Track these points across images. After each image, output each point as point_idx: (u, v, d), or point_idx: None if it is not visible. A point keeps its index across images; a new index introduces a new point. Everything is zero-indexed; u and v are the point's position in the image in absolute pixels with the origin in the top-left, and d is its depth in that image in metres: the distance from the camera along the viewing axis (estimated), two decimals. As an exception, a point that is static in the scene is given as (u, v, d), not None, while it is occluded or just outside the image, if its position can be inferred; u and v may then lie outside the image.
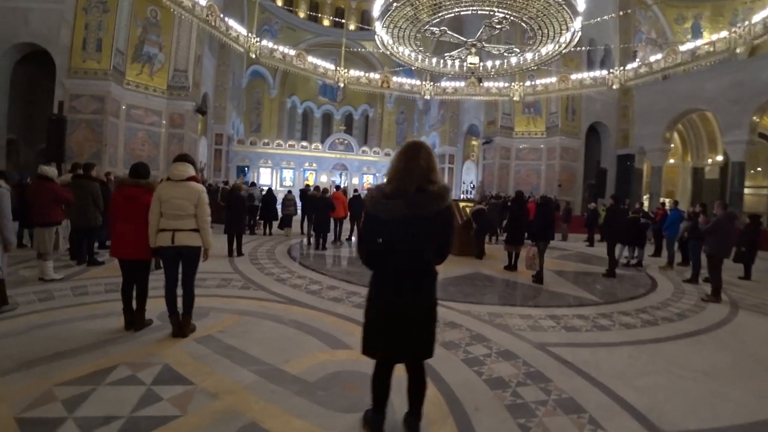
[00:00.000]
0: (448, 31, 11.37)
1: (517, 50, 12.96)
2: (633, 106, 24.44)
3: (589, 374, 3.72)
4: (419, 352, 2.46)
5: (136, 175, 4.48)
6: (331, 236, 11.44)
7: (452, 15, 9.80)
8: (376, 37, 11.95)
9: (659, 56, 14.42)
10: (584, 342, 4.62)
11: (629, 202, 12.56)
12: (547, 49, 12.07)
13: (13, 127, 18.17)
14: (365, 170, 28.62)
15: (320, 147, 28.22)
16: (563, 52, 11.89)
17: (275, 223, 12.82)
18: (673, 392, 3.50)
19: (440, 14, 9.79)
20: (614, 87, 16.01)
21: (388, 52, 12.36)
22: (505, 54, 12.84)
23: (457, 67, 13.35)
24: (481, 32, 11.62)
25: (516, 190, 10.25)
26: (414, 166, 2.33)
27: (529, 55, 12.61)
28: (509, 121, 25.07)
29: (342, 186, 27.58)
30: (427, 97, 18.29)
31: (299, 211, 13.04)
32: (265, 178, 26.17)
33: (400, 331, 2.36)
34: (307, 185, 18.19)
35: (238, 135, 27.21)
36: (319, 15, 26.90)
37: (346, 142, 28.67)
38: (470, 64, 12.31)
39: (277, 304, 5.42)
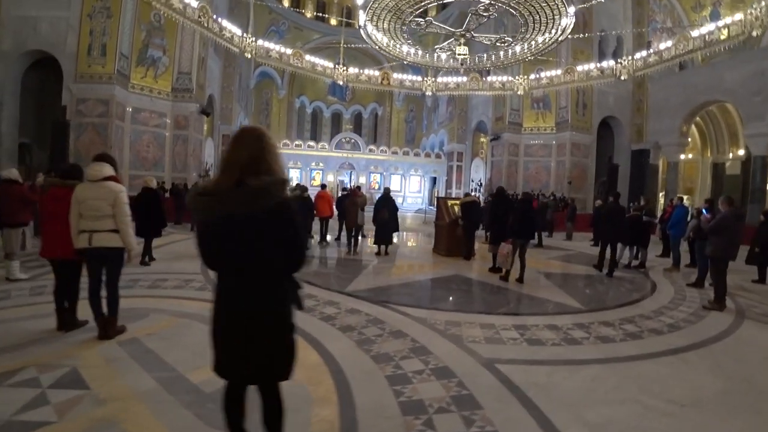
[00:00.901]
0: (434, 22, 10.68)
1: (510, 39, 12.14)
2: (647, 99, 23.13)
3: (533, 402, 3.07)
4: (263, 375, 1.96)
5: (67, 175, 4.36)
6: (317, 237, 10.93)
7: (434, 4, 9.13)
8: (361, 30, 11.36)
9: (669, 43, 13.33)
10: (545, 359, 3.94)
11: (644, 200, 11.54)
12: (544, 38, 11.22)
13: (25, 131, 18.35)
14: (372, 169, 28.07)
15: (327, 146, 27.80)
16: (560, 40, 11.04)
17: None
18: (633, 431, 2.81)
19: (422, 3, 9.13)
20: (623, 78, 14.96)
21: (377, 47, 11.75)
22: (498, 44, 12.04)
23: (444, 59, 12.59)
24: (469, 21, 10.87)
25: (497, 186, 9.50)
26: (235, 156, 1.84)
27: (519, 47, 11.74)
28: (518, 116, 24.10)
29: (352, 185, 27.18)
30: (429, 93, 17.61)
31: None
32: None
33: (238, 349, 1.89)
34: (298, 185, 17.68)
35: (246, 136, 26.98)
36: (326, 15, 26.45)
37: (352, 141, 28.19)
38: (459, 54, 11.57)
39: None
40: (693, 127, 22.93)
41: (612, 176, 20.49)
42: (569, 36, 11.43)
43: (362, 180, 27.46)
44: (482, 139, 27.31)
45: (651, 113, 22.83)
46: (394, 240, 12.30)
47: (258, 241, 1.80)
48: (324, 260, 8.99)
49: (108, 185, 3.96)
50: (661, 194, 23.11)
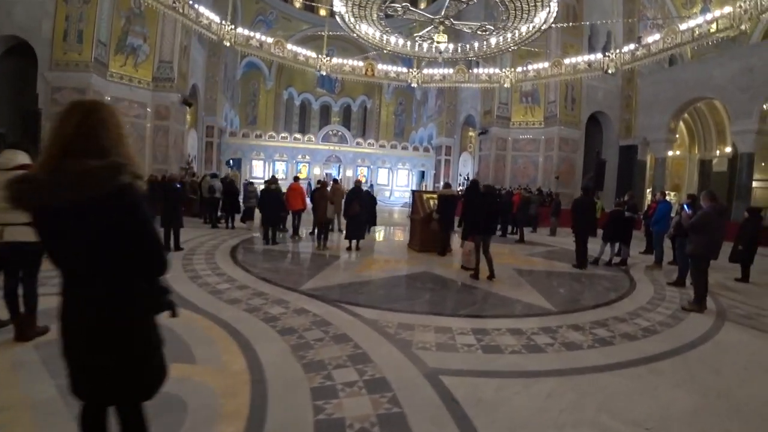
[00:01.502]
0: (411, 8, 10.11)
1: (491, 28, 11.59)
2: (637, 94, 22.67)
3: (473, 424, 2.60)
4: (116, 396, 1.61)
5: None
6: (290, 231, 10.42)
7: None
8: (337, 17, 10.77)
9: (657, 36, 12.86)
10: (499, 369, 3.48)
11: (628, 195, 11.09)
12: (527, 26, 10.68)
13: (1, 121, 17.58)
14: (360, 162, 27.48)
15: (313, 139, 27.15)
16: (543, 29, 10.51)
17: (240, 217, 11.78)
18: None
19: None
20: (610, 71, 14.50)
21: (355, 34, 11.17)
22: (480, 33, 11.48)
23: (425, 49, 12.02)
24: (447, 7, 10.30)
25: (472, 179, 9.01)
26: (60, 132, 1.49)
27: (502, 37, 11.17)
28: (506, 110, 23.62)
29: (339, 178, 26.60)
30: (414, 84, 17.06)
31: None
32: (258, 170, 25.26)
33: (84, 366, 1.57)
34: (288, 177, 17.14)
35: (232, 127, 26.36)
36: (315, 5, 25.68)
37: (340, 133, 27.55)
38: (438, 42, 11.01)
39: None
40: (681, 123, 22.57)
41: (599, 171, 20.03)
42: (555, 26, 10.91)
43: (349, 173, 26.87)
44: (471, 133, 26.83)
45: (640, 109, 22.42)
46: (375, 234, 11.84)
47: (87, 237, 1.43)
48: (288, 255, 8.49)
49: (20, 175, 3.50)
50: (648, 190, 22.75)
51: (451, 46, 12.31)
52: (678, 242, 7.50)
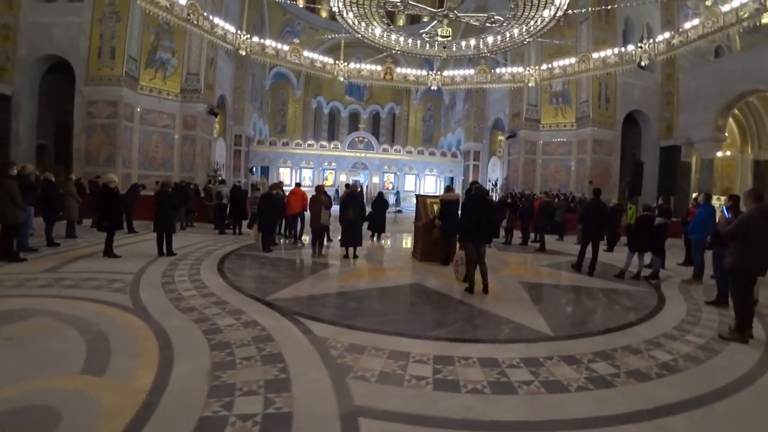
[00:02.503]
0: (411, 2, 9.27)
1: (500, 18, 10.50)
2: (678, 91, 20.58)
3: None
4: None
5: None
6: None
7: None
8: (337, 16, 10.12)
9: (696, 21, 11.27)
10: (441, 416, 2.74)
11: (662, 199, 9.70)
12: (543, 15, 9.55)
13: (43, 133, 18.35)
14: (386, 169, 26.72)
15: (339, 146, 26.72)
16: (557, 16, 9.34)
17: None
18: None
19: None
20: (643, 63, 12.96)
21: (359, 35, 10.49)
22: (488, 25, 10.45)
23: (428, 47, 11.09)
24: None
25: (472, 180, 8.02)
26: None
27: (517, 30, 10.04)
28: (535, 112, 22.19)
29: (366, 185, 26.01)
30: (434, 87, 16.15)
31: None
32: (285, 178, 25.12)
33: None
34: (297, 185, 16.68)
35: (261, 136, 26.45)
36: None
37: (366, 140, 26.99)
38: (441, 37, 10.09)
39: (116, 311, 4.52)
40: (731, 120, 20.28)
41: (636, 175, 18.22)
42: (574, 12, 9.71)
43: (375, 180, 26.18)
44: (500, 138, 25.49)
45: (682, 106, 20.36)
46: (382, 241, 11.03)
47: None
48: (278, 263, 7.83)
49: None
50: (693, 195, 20.50)
51: (463, 43, 11.34)
52: (715, 252, 6.18)
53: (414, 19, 25.64)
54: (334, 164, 26.25)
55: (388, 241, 11.55)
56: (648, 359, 3.79)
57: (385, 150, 27.25)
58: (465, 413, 2.70)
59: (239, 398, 2.76)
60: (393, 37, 10.97)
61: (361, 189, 11.83)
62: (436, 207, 8.43)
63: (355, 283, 6.41)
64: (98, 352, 3.42)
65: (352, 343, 3.82)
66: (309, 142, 26.51)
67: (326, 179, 25.74)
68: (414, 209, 8.48)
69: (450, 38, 10.27)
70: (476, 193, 6.06)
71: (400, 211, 22.85)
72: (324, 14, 27.23)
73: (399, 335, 4.11)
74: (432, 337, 4.09)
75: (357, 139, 26.86)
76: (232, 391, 2.85)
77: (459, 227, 6.20)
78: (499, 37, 10.80)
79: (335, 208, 9.59)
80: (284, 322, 4.37)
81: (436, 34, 10.57)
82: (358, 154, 26.47)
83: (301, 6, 24.10)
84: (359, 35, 10.64)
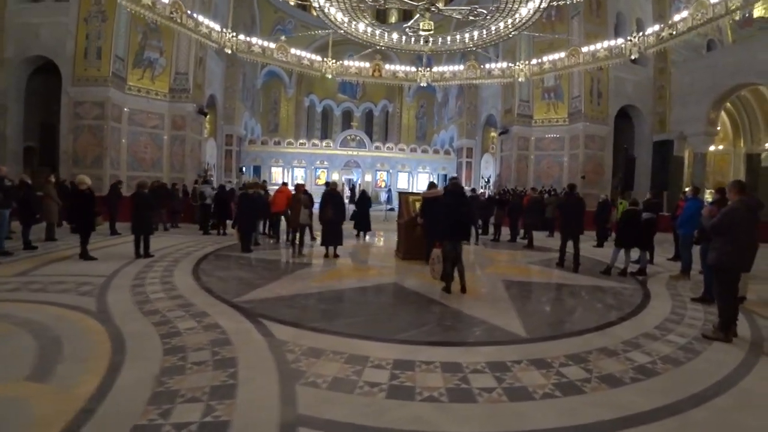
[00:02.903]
0: (391, -4, 9.03)
1: (484, 12, 10.22)
2: (670, 85, 20.31)
3: None
4: None
5: None
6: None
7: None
8: (316, 11, 9.84)
9: (685, 14, 11.01)
10: (389, 427, 2.53)
11: (651, 194, 9.47)
12: (528, 8, 9.28)
13: (31, 135, 18.04)
14: (379, 167, 26.42)
15: (331, 144, 26.41)
16: (542, 7, 9.06)
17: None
18: None
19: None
20: (633, 57, 12.74)
21: (343, 30, 10.22)
22: (471, 18, 10.18)
23: (413, 41, 10.82)
24: (430, -8, 9.13)
25: (451, 177, 7.79)
26: None
27: (502, 24, 9.75)
28: (527, 108, 21.93)
29: (359, 183, 25.72)
30: (423, 83, 15.89)
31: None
32: (278, 177, 24.87)
33: None
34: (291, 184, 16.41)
35: (253, 135, 26.16)
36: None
37: (358, 138, 26.70)
38: (424, 31, 9.82)
39: (78, 315, 4.36)
40: (723, 114, 20.09)
41: (629, 169, 18.00)
42: (559, 2, 9.44)
43: (368, 178, 25.90)
44: (492, 134, 25.23)
45: (674, 100, 20.11)
46: (369, 240, 10.79)
47: None
48: (255, 263, 7.59)
49: None
50: (686, 189, 20.28)
51: (449, 37, 11.06)
52: (702, 248, 5.93)
53: (406, 15, 25.37)
54: (326, 163, 25.97)
55: (374, 240, 11.30)
56: (624, 362, 3.56)
57: (377, 148, 26.97)
58: (414, 424, 2.49)
59: (180, 405, 2.61)
60: (377, 32, 10.70)
61: (353, 187, 11.54)
62: (418, 204, 8.18)
63: (330, 284, 6.21)
64: (48, 357, 3.29)
65: (312, 346, 3.65)
66: (301, 141, 26.21)
67: (318, 178, 25.47)
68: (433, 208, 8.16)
69: (432, 32, 10.01)
70: (452, 189, 5.82)
71: (392, 209, 22.62)
72: (315, 12, 26.90)
73: (363, 338, 3.93)
74: (397, 340, 3.90)
75: (349, 138, 26.56)
76: (174, 397, 2.70)
77: (436, 225, 5.95)
78: (484, 31, 10.53)
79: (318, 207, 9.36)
80: (246, 324, 4.21)
81: (419, 29, 10.32)
82: (350, 153, 26.17)
83: (291, 3, 23.80)
84: (342, 31, 10.38)
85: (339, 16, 10.11)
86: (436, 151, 27.76)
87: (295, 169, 25.42)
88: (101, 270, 6.36)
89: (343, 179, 25.81)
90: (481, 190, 24.19)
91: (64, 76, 16.69)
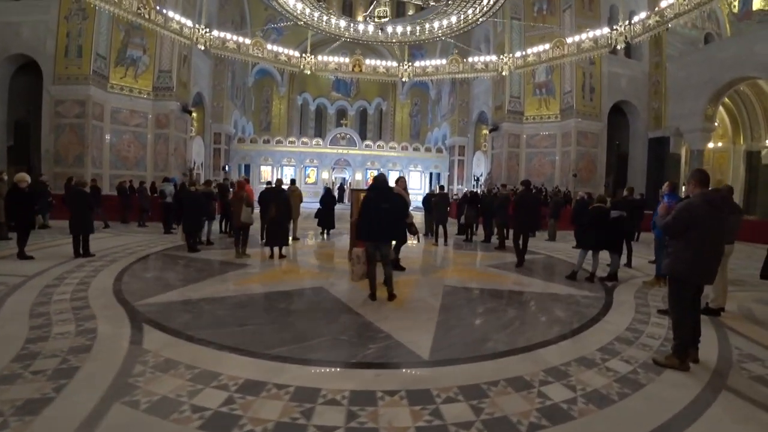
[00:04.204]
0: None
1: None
2: (666, 80, 19.16)
3: None
4: None
5: None
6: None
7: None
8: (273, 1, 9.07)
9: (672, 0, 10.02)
10: None
11: (627, 190, 8.47)
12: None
13: (14, 134, 17.56)
14: (369, 165, 25.59)
15: (321, 143, 25.63)
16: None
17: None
18: None
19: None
20: (619, 47, 11.84)
21: (302, 22, 9.43)
22: (431, 3, 9.30)
23: (371, 31, 9.98)
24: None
25: (378, 172, 6.97)
26: None
27: (453, 17, 8.85)
28: (518, 104, 20.98)
29: (349, 182, 24.95)
30: (405, 79, 15.05)
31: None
32: (267, 176, 24.21)
33: None
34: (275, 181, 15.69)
35: (244, 134, 25.56)
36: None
37: (348, 136, 25.87)
38: (378, 17, 8.99)
39: None
40: (722, 110, 18.94)
41: (621, 167, 16.94)
42: (567, 2, 8.51)
43: (359, 176, 25.08)
44: (484, 131, 24.26)
45: (670, 96, 19.02)
46: (331, 239, 9.99)
47: None
48: (187, 263, 7.03)
49: None
50: (683, 187, 19.11)
51: (408, 28, 10.24)
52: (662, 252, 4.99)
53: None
54: (316, 161, 25.23)
55: (339, 239, 10.45)
56: (532, 401, 2.71)
57: (368, 146, 26.16)
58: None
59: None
60: (333, 21, 9.92)
61: (342, 186, 10.78)
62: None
63: (250, 287, 5.65)
64: None
65: (171, 358, 3.19)
66: (290, 139, 25.51)
67: (308, 176, 24.72)
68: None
69: (387, 18, 9.21)
70: (375, 183, 5.01)
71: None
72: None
73: (233, 350, 3.40)
74: (268, 356, 3.33)
75: (339, 136, 25.77)
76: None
77: (357, 224, 5.15)
78: (453, 19, 9.65)
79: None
80: (124, 330, 3.80)
81: (377, 16, 9.53)
82: (340, 151, 25.39)
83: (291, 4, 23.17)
84: (302, 23, 9.62)
85: (299, 6, 9.28)
86: (427, 149, 26.86)
87: (285, 167, 24.72)
88: (27, 270, 5.97)
89: (333, 178, 25.05)
90: (458, 189, 23.24)
91: (45, 74, 16.28)
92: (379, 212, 4.81)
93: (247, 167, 24.44)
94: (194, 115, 20.78)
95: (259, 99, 28.51)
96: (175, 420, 2.38)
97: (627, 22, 11.43)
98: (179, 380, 2.84)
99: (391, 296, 4.92)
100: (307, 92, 30.54)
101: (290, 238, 9.55)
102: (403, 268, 6.62)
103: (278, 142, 24.82)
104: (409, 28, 10.36)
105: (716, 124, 18.43)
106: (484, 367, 3.22)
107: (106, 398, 2.57)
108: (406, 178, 23.38)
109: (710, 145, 19.29)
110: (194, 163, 20.29)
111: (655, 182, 18.12)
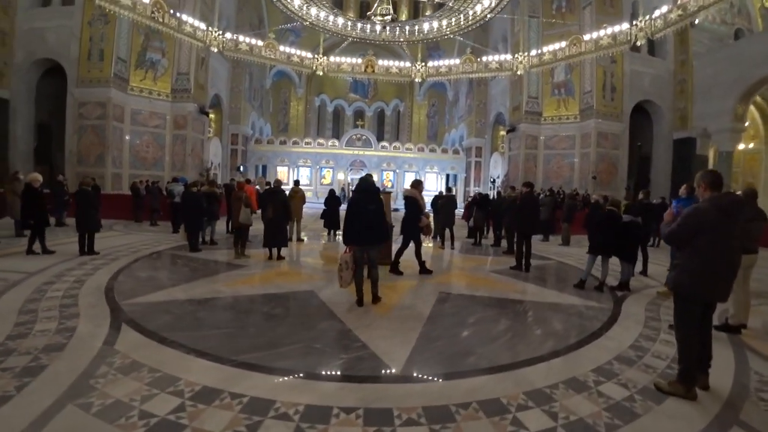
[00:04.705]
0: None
1: None
2: (692, 78, 18.18)
3: None
4: None
5: None
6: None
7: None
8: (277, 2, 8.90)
9: (696, -8, 9.39)
10: None
11: (643, 193, 7.93)
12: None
13: (36, 136, 18.13)
14: (385, 166, 25.30)
15: (337, 144, 25.50)
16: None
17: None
18: None
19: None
20: (639, 43, 11.24)
21: (308, 22, 9.27)
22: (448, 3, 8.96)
23: (378, 30, 9.70)
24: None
25: (366, 175, 6.68)
26: None
27: (451, 17, 8.45)
28: (536, 105, 20.33)
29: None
30: (418, 79, 14.75)
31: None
32: (283, 176, 24.27)
33: None
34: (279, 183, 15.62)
35: (262, 135, 25.70)
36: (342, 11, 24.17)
37: (364, 137, 25.64)
38: (381, 15, 8.70)
39: None
40: (753, 109, 17.80)
41: (642, 169, 16.14)
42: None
43: (374, 178, 24.84)
44: (502, 132, 23.66)
45: (697, 94, 18.04)
46: (335, 240, 9.80)
47: None
48: (189, 263, 7.06)
49: None
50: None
51: (416, 26, 9.93)
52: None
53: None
54: (331, 162, 25.14)
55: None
56: (502, 429, 2.35)
57: (383, 147, 25.89)
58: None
59: None
60: (340, 21, 9.72)
61: (343, 188, 10.62)
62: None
63: (240, 289, 5.50)
64: None
65: (137, 360, 3.10)
66: (306, 141, 25.50)
67: (324, 177, 24.65)
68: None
69: (389, 16, 8.93)
70: (362, 185, 4.79)
71: (396, 210, 21.45)
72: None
73: (201, 355, 3.26)
74: (233, 362, 3.15)
75: (355, 137, 25.60)
76: None
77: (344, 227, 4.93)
78: (461, 17, 9.29)
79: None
80: (102, 330, 3.71)
81: (383, 15, 9.27)
82: (356, 152, 25.21)
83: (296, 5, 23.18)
84: (308, 22, 9.46)
85: (296, 2, 9.12)
86: (444, 151, 26.38)
87: (301, 168, 24.73)
88: (30, 266, 6.02)
89: (349, 179, 24.90)
90: (474, 191, 22.68)
91: (69, 77, 16.77)
92: (367, 214, 4.63)
93: (264, 168, 24.57)
94: (212, 116, 21.03)
95: (277, 101, 28.71)
96: (120, 426, 2.27)
97: (648, 17, 10.80)
98: (138, 384, 2.74)
99: (376, 299, 4.75)
100: (325, 94, 30.56)
101: (295, 239, 9.44)
102: (401, 273, 6.35)
103: (294, 143, 24.88)
104: (417, 27, 10.07)
105: (746, 124, 17.36)
106: (458, 385, 2.88)
107: (62, 399, 2.50)
108: (423, 180, 22.96)
109: (740, 146, 18.20)
110: (211, 163, 20.51)
111: (679, 186, 17.16)
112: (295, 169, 24.45)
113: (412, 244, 6.57)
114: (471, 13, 9.11)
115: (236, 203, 7.25)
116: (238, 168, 21.84)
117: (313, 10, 9.28)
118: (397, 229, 7.01)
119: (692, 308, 2.95)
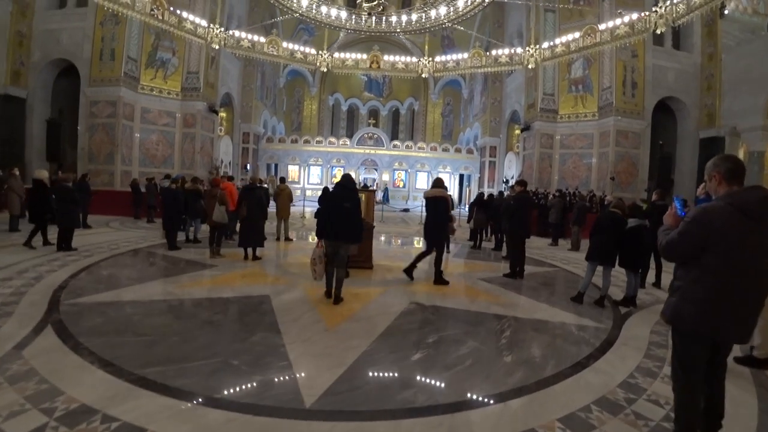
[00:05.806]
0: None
1: None
2: (721, 73, 16.74)
3: None
4: None
5: None
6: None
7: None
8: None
9: (721, -25, 8.35)
10: None
11: (657, 194, 7.01)
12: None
13: (45, 134, 18.37)
14: (397, 166, 24.61)
15: (348, 143, 24.97)
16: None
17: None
18: None
19: None
20: (659, 31, 10.20)
21: (297, 14, 8.69)
22: None
23: (364, 19, 9.06)
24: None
25: (344, 174, 6.04)
26: None
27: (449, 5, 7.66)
28: (552, 102, 19.25)
29: (376, 182, 24.14)
30: (425, 75, 14.03)
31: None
32: (294, 175, 23.93)
33: None
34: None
35: (275, 134, 25.48)
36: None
37: (375, 136, 25.01)
38: (367, 3, 8.04)
39: None
40: (788, 105, 16.12)
41: (664, 169, 14.89)
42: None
43: (386, 177, 24.19)
44: (517, 131, 22.61)
45: (726, 90, 16.61)
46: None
47: None
48: (160, 261, 6.81)
49: None
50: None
51: (414, 16, 9.24)
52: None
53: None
54: (342, 161, 24.64)
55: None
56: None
57: (395, 146, 25.21)
58: None
59: None
60: (333, 12, 9.13)
61: (365, 186, 10.20)
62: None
63: (192, 291, 5.12)
64: None
65: (34, 367, 2.81)
66: (317, 139, 25.11)
67: (335, 176, 24.21)
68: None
69: (374, 3, 8.29)
70: (341, 181, 4.77)
71: (407, 210, 20.80)
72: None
73: (104, 366, 2.90)
74: (133, 377, 2.76)
75: (367, 136, 25.02)
76: None
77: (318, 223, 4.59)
78: (460, 3, 8.54)
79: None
80: (25, 331, 3.46)
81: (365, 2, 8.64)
82: (367, 151, 24.64)
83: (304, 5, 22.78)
84: (297, 14, 8.94)
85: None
86: (457, 150, 25.48)
87: (312, 167, 24.36)
88: (4, 261, 5.90)
89: (362, 178, 24.32)
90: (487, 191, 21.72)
91: (82, 77, 16.99)
92: (341, 211, 4.51)
93: (276, 167, 24.34)
94: (223, 115, 20.90)
95: (291, 99, 28.52)
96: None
97: (668, 2, 9.76)
98: (16, 396, 2.43)
99: (337, 300, 4.55)
100: (339, 92, 30.20)
101: (283, 237, 8.94)
102: (446, 282, 5.80)
103: (306, 142, 24.55)
104: (414, 17, 9.41)
105: (781, 121, 15.84)
106: (373, 429, 2.25)
107: None
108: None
109: (774, 145, 16.66)
110: (221, 161, 20.35)
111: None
112: (306, 167, 24.12)
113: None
114: (470, 1, 8.37)
115: (211, 201, 6.79)
116: (245, 167, 21.63)
117: (304, 1, 8.77)
118: (378, 229, 6.43)
119: (696, 350, 2.17)
